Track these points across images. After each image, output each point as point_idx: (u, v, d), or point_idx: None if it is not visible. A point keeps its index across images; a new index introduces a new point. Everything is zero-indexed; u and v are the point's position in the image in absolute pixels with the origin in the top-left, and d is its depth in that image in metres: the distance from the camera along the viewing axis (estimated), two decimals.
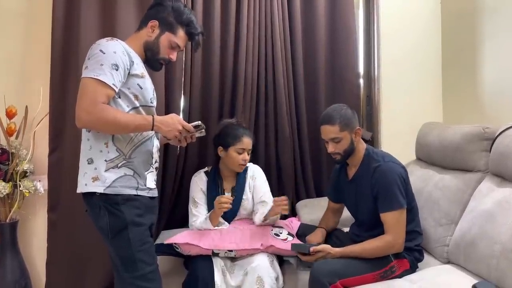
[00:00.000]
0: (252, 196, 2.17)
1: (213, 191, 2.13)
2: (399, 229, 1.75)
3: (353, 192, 1.92)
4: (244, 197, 2.15)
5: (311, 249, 1.76)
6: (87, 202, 1.55)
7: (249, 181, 2.19)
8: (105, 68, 1.45)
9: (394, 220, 1.74)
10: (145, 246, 1.54)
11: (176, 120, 1.58)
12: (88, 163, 1.53)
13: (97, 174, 1.50)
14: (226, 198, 1.96)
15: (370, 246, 1.76)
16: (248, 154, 2.11)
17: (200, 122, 1.66)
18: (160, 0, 1.69)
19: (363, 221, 1.92)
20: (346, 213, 2.07)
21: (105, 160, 1.51)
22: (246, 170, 2.20)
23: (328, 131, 1.84)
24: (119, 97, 1.53)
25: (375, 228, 1.80)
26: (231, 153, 2.10)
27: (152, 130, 1.54)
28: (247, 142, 2.10)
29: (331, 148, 1.85)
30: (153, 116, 1.55)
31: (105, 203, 1.50)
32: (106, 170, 1.51)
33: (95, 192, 1.50)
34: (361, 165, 1.88)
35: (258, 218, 2.07)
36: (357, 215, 2.00)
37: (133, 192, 1.54)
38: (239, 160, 2.09)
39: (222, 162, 2.17)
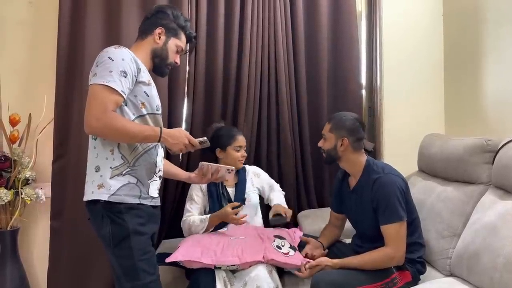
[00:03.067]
0: (259, 191, 2.31)
1: (213, 186, 2.18)
2: (399, 241, 1.74)
3: (353, 203, 1.92)
4: (247, 190, 2.24)
5: (304, 262, 1.82)
6: (90, 210, 1.55)
7: (251, 177, 2.30)
8: (114, 74, 1.45)
9: (393, 233, 1.74)
10: (147, 255, 1.53)
11: (183, 134, 1.60)
12: (95, 171, 1.53)
13: (103, 182, 1.50)
14: (237, 210, 2.04)
15: (369, 258, 1.75)
16: (244, 150, 2.24)
17: (206, 138, 1.67)
18: (160, 8, 1.73)
19: (364, 233, 1.92)
20: (348, 224, 2.06)
21: (110, 167, 1.52)
22: (244, 170, 2.30)
23: (325, 126, 1.93)
24: (126, 105, 1.53)
25: (378, 241, 1.78)
26: (230, 152, 2.21)
27: (158, 141, 1.55)
28: (242, 139, 2.24)
29: (320, 142, 1.94)
30: (161, 128, 1.56)
31: (108, 212, 1.50)
32: (111, 178, 1.51)
33: (99, 200, 1.50)
34: (362, 176, 1.88)
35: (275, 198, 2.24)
36: (357, 227, 1.99)
37: (136, 200, 1.54)
38: (238, 157, 2.22)
39: (220, 162, 2.21)
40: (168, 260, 1.84)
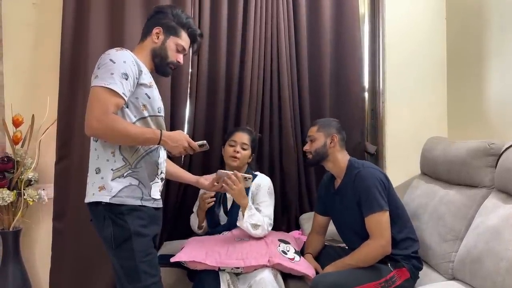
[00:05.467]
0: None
1: (216, 194, 2.15)
2: (382, 231, 1.76)
3: (338, 203, 1.94)
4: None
5: None
6: (92, 211, 1.55)
7: (252, 189, 2.14)
8: (115, 77, 1.46)
9: (375, 223, 1.77)
10: (149, 257, 1.53)
11: (183, 137, 1.60)
12: (96, 173, 1.53)
13: (104, 184, 1.51)
14: (208, 194, 2.09)
15: (358, 255, 1.78)
16: (243, 149, 2.15)
17: (205, 141, 1.69)
18: (159, 8, 1.74)
19: (353, 231, 1.91)
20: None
21: (112, 169, 1.52)
22: (254, 178, 2.16)
23: (309, 130, 2.02)
24: (127, 107, 1.54)
25: (368, 236, 1.80)
26: (226, 148, 2.19)
27: (158, 144, 1.56)
28: (239, 135, 2.17)
29: (306, 146, 2.00)
30: (161, 130, 1.57)
31: (110, 213, 1.50)
32: (112, 180, 1.51)
33: (100, 202, 1.50)
34: (345, 176, 1.92)
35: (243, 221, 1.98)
36: (343, 228, 2.00)
37: (138, 202, 1.54)
38: (230, 152, 2.14)
39: (225, 163, 2.22)
40: (172, 260, 1.85)
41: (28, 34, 2.34)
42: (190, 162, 2.41)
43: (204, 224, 2.18)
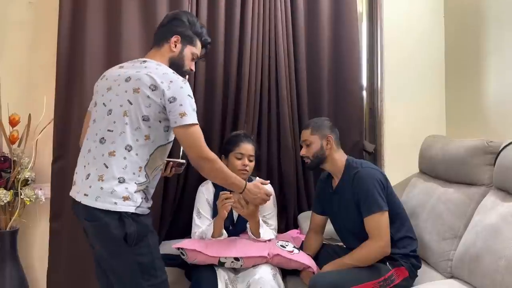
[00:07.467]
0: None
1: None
2: (381, 232, 1.76)
3: (337, 203, 1.93)
4: None
5: None
6: (104, 215, 1.48)
7: None
8: (194, 112, 1.55)
9: (374, 224, 1.76)
10: (159, 254, 1.59)
11: (260, 190, 1.77)
12: (119, 182, 1.49)
13: (129, 194, 1.50)
14: (228, 193, 1.91)
15: (357, 255, 1.78)
16: (249, 161, 2.08)
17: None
18: (175, 15, 1.74)
19: (351, 232, 1.91)
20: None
21: (135, 183, 1.52)
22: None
23: (302, 134, 1.98)
24: (167, 130, 1.59)
25: (367, 237, 1.80)
26: (231, 160, 2.09)
27: (241, 193, 1.71)
28: (245, 147, 2.08)
29: (302, 151, 1.97)
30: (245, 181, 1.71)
31: (126, 214, 1.49)
32: (135, 192, 1.52)
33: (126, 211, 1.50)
34: (343, 175, 1.91)
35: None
36: (342, 228, 1.99)
37: (148, 211, 1.59)
38: (238, 165, 2.05)
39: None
40: (174, 246, 1.88)
41: (24, 33, 2.33)
42: (188, 164, 2.39)
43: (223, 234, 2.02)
